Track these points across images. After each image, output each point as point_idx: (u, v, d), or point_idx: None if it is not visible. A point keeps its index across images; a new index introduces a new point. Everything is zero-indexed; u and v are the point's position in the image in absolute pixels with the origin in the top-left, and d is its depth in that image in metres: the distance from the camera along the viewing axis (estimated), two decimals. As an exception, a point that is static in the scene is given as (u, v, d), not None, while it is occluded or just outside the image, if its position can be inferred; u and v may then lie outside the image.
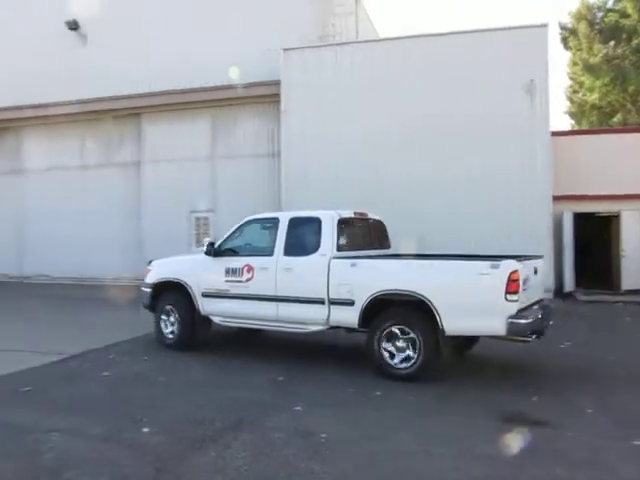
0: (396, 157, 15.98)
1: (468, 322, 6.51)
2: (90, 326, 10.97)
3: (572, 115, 37.04)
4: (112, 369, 7.43)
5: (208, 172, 18.84)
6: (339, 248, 7.58)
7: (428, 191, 15.59)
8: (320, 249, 7.55)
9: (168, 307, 8.86)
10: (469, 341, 7.84)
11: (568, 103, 36.79)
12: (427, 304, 6.56)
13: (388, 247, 9.11)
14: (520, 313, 6.40)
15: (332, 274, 7.32)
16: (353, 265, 7.30)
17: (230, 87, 18.02)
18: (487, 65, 15.27)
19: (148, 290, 9.21)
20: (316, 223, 7.79)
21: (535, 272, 7.16)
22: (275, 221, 8.28)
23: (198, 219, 18.94)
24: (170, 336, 8.83)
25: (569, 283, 15.84)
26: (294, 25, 17.89)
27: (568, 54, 33.73)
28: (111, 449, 4.65)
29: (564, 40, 32.57)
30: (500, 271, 6.32)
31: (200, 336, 8.84)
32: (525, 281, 6.54)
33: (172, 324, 8.81)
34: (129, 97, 19.27)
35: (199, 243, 18.63)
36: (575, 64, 32.98)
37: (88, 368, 7.57)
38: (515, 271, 6.30)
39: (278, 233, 8.01)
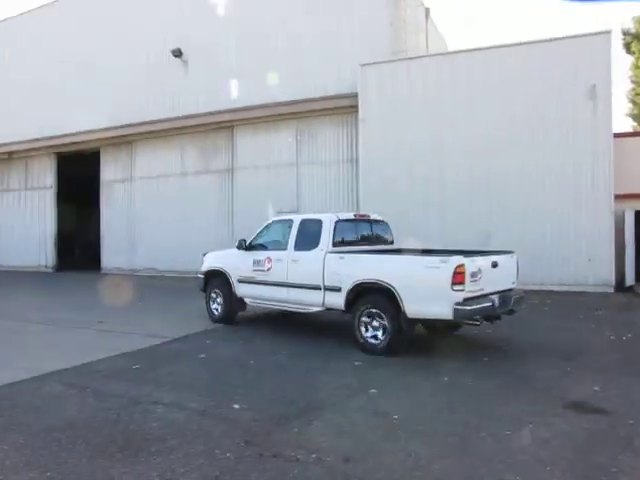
0: (465, 160, 15.85)
1: (424, 307, 7.24)
2: (189, 314, 11.45)
3: (634, 117, 35.27)
4: (208, 352, 7.71)
5: (293, 177, 19.27)
6: (335, 244, 8.52)
7: (496, 192, 15.47)
8: (319, 245, 8.54)
9: (215, 290, 10.26)
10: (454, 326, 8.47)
11: (630, 105, 35.02)
12: (393, 291, 7.38)
13: (390, 243, 9.86)
14: (467, 301, 7.02)
15: (326, 266, 8.34)
16: (341, 258, 8.23)
17: (312, 100, 18.47)
18: (552, 72, 14.91)
19: (201, 277, 10.66)
20: (318, 224, 8.78)
21: (494, 266, 7.60)
22: (290, 222, 9.33)
23: (284, 220, 19.42)
24: (215, 312, 10.24)
25: (629, 278, 15.29)
26: (370, 42, 18.10)
27: (631, 58, 32.08)
28: (206, 422, 4.84)
29: (627, 45, 30.98)
30: (448, 265, 7.01)
31: (236, 313, 10.16)
32: (475, 274, 7.16)
33: (217, 303, 10.22)
34: (223, 112, 20.03)
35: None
36: (637, 67, 31.45)
37: (187, 350, 7.90)
38: (461, 265, 6.98)
39: (291, 232, 9.09)
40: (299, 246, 8.90)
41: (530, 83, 15.20)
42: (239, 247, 9.82)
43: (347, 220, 9.18)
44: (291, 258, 8.91)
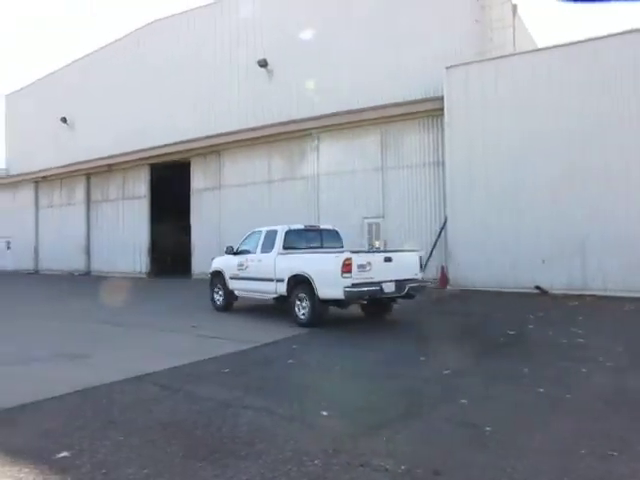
0: (557, 161, 15.27)
1: (327, 290, 9.85)
2: (279, 319, 11.68)
3: None
4: (296, 357, 7.78)
5: (378, 182, 19.20)
6: (285, 248, 11.23)
7: (590, 193, 14.79)
8: (274, 248, 11.31)
9: (217, 285, 13.17)
10: (383, 309, 11.28)
11: None
12: (310, 280, 10.06)
13: (339, 247, 11.99)
14: (355, 286, 9.52)
15: (277, 263, 11.09)
16: (284, 258, 11.02)
17: (396, 105, 18.33)
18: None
19: (209, 275, 13.70)
20: (275, 233, 11.53)
21: (387, 260, 10.15)
22: (260, 232, 12.17)
23: (370, 225, 19.40)
24: (217, 302, 13.17)
25: None
26: (455, 42, 17.81)
27: None
28: (294, 428, 4.86)
29: None
30: (338, 259, 9.60)
31: (232, 303, 13.05)
32: (363, 266, 9.64)
33: (219, 295, 13.12)
34: (307, 120, 20.33)
35: (370, 246, 19.13)
36: None
37: (276, 355, 8.00)
38: (348, 259, 9.51)
39: (260, 239, 11.90)
40: (263, 249, 11.69)
41: (618, 75, 14.42)
42: (227, 252, 12.77)
43: (297, 230, 11.91)
44: (258, 258, 11.76)
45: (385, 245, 18.94)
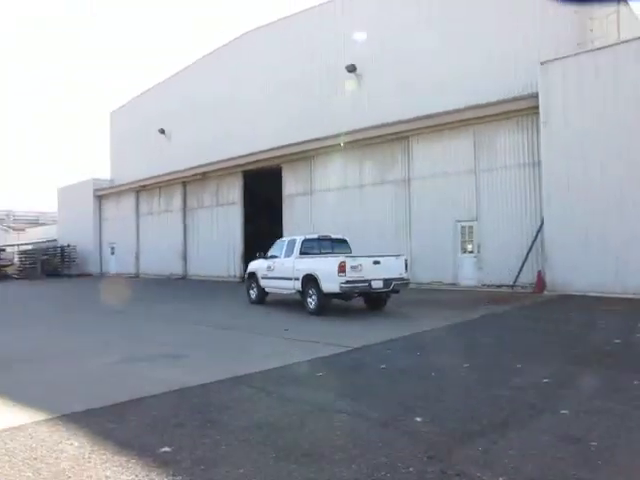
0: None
1: (328, 286, 12.56)
2: (371, 324, 11.74)
3: None
4: (389, 362, 7.70)
5: (471, 184, 18.74)
6: (301, 253, 14.15)
7: None
8: (293, 254, 14.24)
9: (252, 284, 16.21)
10: (379, 302, 13.73)
11: None
12: (316, 278, 12.86)
13: (348, 252, 14.28)
14: (349, 283, 12.22)
15: (295, 265, 13.94)
16: (300, 261, 13.86)
17: (490, 104, 17.80)
18: None
19: (246, 276, 16.79)
20: (295, 241, 14.58)
21: (376, 263, 12.66)
22: (284, 240, 15.48)
23: (463, 228, 18.95)
24: (252, 297, 16.10)
25: None
26: (549, 36, 17.06)
27: None
28: (388, 433, 4.81)
29: None
30: (335, 262, 12.34)
31: (264, 298, 15.85)
32: (355, 267, 12.25)
33: (253, 291, 16.14)
34: (398, 123, 20.20)
35: (463, 250, 18.70)
36: None
37: (368, 360, 7.98)
38: (343, 262, 12.22)
39: (284, 246, 14.91)
40: (286, 254, 14.60)
41: None
42: (258, 257, 15.99)
43: (312, 239, 14.90)
44: (282, 262, 14.63)
45: (479, 249, 18.47)
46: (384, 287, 12.64)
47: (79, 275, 37.01)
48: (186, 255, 30.79)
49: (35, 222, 67.89)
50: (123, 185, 36.03)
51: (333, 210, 22.88)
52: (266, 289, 15.66)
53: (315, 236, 15.26)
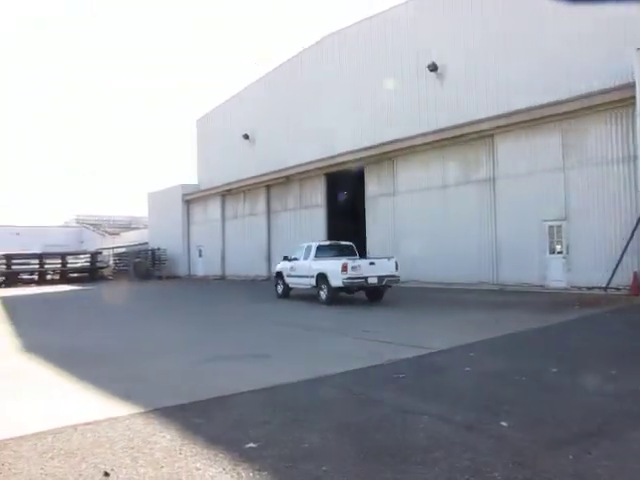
0: None
1: (335, 281, 15.72)
2: (452, 325, 11.49)
3: None
4: (473, 365, 7.57)
5: (559, 182, 17.96)
6: (316, 256, 17.39)
7: None
8: (310, 256, 17.51)
9: (278, 281, 19.65)
10: (376, 295, 16.71)
11: None
12: (327, 275, 16.05)
13: (353, 255, 17.86)
14: (350, 279, 15.48)
15: (311, 266, 17.12)
16: (315, 262, 17.09)
17: (579, 98, 16.97)
18: None
19: (274, 274, 20.33)
20: (312, 246, 17.91)
21: (372, 264, 16.06)
22: (303, 246, 18.64)
23: (551, 227, 18.21)
24: (279, 292, 19.46)
25: None
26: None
27: None
28: (472, 437, 4.73)
29: None
30: (340, 263, 15.60)
31: (288, 293, 19.15)
32: (355, 267, 15.61)
33: (280, 287, 19.49)
34: (483, 121, 19.72)
35: (551, 250, 17.98)
36: None
37: (452, 362, 7.89)
38: (345, 263, 15.54)
39: (303, 250, 18.25)
40: (305, 257, 18.00)
41: None
42: (284, 259, 19.40)
43: (324, 245, 18.72)
44: (301, 263, 18.04)
45: (567, 249, 17.72)
46: (378, 283, 16.00)
47: (168, 277, 38.62)
48: (270, 257, 31.43)
49: (127, 227, 71.53)
50: (209, 190, 37.29)
51: (416, 211, 22.67)
52: (290, 285, 19.08)
53: (327, 243, 19.45)
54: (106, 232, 69.70)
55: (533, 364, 7.69)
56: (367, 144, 24.02)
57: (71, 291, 28.17)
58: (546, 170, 18.24)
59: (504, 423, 5.05)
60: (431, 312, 14.35)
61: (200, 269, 38.48)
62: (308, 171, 27.87)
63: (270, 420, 5.34)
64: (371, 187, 25.14)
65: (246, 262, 32.88)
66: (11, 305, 20.01)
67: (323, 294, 16.51)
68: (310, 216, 28.65)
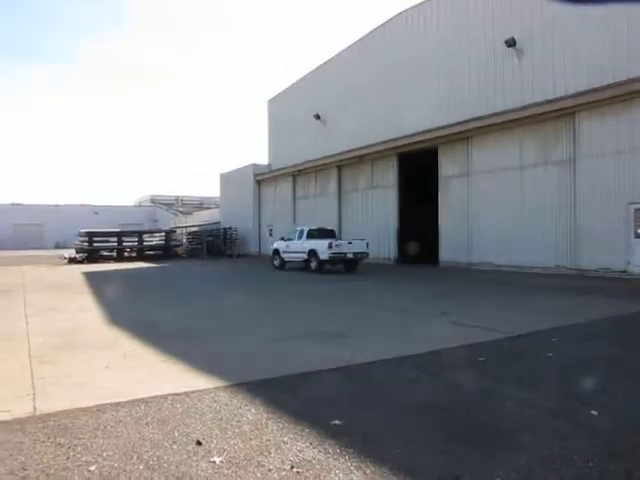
0: None
1: (322, 255, 21.64)
2: (531, 310, 11.21)
3: None
4: (555, 351, 7.35)
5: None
6: (308, 237, 23.03)
7: None
8: (303, 237, 23.24)
9: (275, 256, 25.26)
10: (352, 266, 22.49)
11: None
12: (316, 251, 21.97)
13: (333, 237, 23.37)
14: (333, 254, 21.54)
15: (303, 244, 23.03)
16: (307, 242, 22.86)
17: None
18: None
19: (272, 251, 25.94)
20: (304, 230, 23.61)
21: (349, 243, 22.28)
22: (296, 230, 24.41)
23: (637, 210, 17.30)
24: (275, 264, 25.15)
25: None
26: None
27: None
28: (560, 424, 4.61)
29: None
30: (326, 242, 21.85)
31: (284, 266, 24.67)
32: (338, 245, 21.88)
33: (277, 260, 25.14)
34: (565, 98, 18.93)
35: (637, 235, 17.11)
36: None
37: (533, 347, 7.69)
38: (330, 242, 21.69)
39: (297, 233, 23.95)
40: (298, 238, 23.45)
41: None
42: (282, 239, 25.36)
43: (313, 229, 23.75)
44: (295, 242, 23.62)
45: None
46: (353, 257, 22.07)
47: (239, 255, 39.50)
48: (341, 237, 31.52)
49: (199, 206, 73.58)
50: (280, 170, 37.72)
51: (491, 192, 22.11)
52: (285, 259, 24.64)
53: (315, 227, 24.53)
54: (179, 211, 71.96)
55: (619, 352, 7.39)
56: (442, 123, 23.55)
57: (148, 268, 29.25)
58: (635, 149, 17.31)
59: (594, 412, 4.88)
60: (508, 296, 14.04)
61: (270, 248, 39.09)
62: (380, 151, 27.64)
63: (352, 398, 5.40)
64: (445, 167, 24.67)
65: (316, 242, 33.15)
66: (94, 280, 21.02)
67: (313, 265, 22.29)
68: (381, 196, 28.47)
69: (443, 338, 8.23)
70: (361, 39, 30.82)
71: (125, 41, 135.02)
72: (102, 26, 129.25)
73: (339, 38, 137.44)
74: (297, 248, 23.42)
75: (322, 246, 21.76)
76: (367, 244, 22.18)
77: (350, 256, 21.78)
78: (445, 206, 24.52)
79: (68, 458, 4.00)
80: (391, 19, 28.14)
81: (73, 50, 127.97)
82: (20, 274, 24.31)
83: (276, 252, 25.13)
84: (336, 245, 21.62)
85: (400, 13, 27.49)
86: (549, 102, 19.43)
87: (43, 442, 4.30)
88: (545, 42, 20.15)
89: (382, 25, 28.87)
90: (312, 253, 22.23)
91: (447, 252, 24.11)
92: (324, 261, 21.68)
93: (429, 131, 24.07)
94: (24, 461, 3.97)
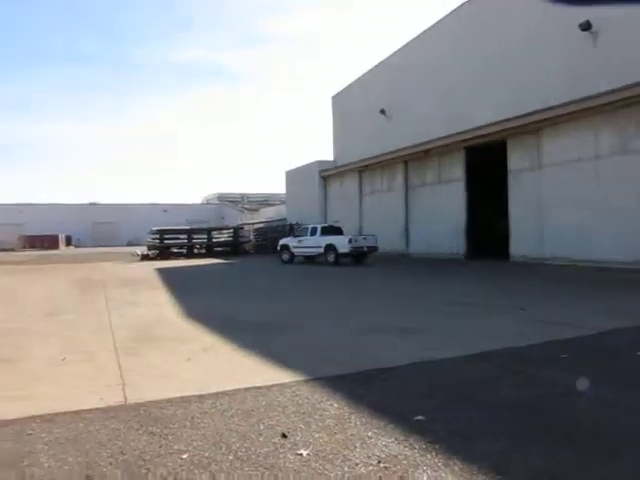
0: None
1: (342, 249, 24.61)
2: (614, 306, 10.72)
3: None
4: (644, 350, 7.11)
5: None
6: (322, 233, 26.42)
7: None
8: (317, 234, 26.48)
9: (285, 250, 28.21)
10: (362, 259, 25.40)
11: None
12: (334, 245, 24.97)
13: (341, 234, 26.64)
14: (353, 248, 24.62)
15: (319, 240, 26.10)
16: (322, 238, 26.09)
17: None
18: None
19: (279, 247, 28.96)
20: (317, 227, 27.26)
21: (364, 238, 25.94)
22: (307, 227, 28.14)
23: None
24: (284, 259, 28.07)
25: None
26: None
27: None
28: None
29: None
30: (346, 237, 25.54)
31: (292, 259, 27.94)
32: (356, 240, 25.25)
33: (286, 255, 28.15)
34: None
35: None
36: None
37: (620, 346, 7.35)
38: (350, 237, 25.34)
39: (309, 230, 27.29)
40: (311, 234, 26.78)
41: None
42: (293, 236, 28.29)
43: (325, 226, 27.78)
44: (309, 238, 26.80)
45: None
46: (367, 250, 25.15)
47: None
48: (408, 233, 31.29)
49: (265, 203, 74.66)
50: (346, 165, 37.73)
51: (565, 184, 21.25)
52: (295, 253, 27.63)
53: (327, 225, 29.07)
54: (245, 208, 73.24)
55: None
56: (510, 115, 22.87)
57: (218, 264, 29.92)
58: None
59: (694, 413, 4.64)
60: (587, 292, 13.52)
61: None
62: (447, 145, 27.16)
63: (433, 394, 5.34)
64: (514, 160, 23.96)
65: (383, 238, 32.84)
66: (167, 276, 21.72)
67: (330, 258, 25.10)
68: (449, 191, 28.00)
69: (522, 334, 8.01)
70: (428, 29, 30.33)
71: (191, 45, 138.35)
72: (169, 31, 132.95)
73: (403, 30, 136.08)
74: (311, 243, 26.39)
75: (341, 241, 24.90)
76: (376, 239, 25.71)
77: (364, 249, 25.07)
78: (515, 200, 23.82)
79: (161, 446, 4.15)
80: (461, 5, 27.45)
81: (138, 55, 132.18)
82: (99, 270, 25.46)
83: (285, 247, 28.11)
84: (355, 240, 24.95)
85: (469, 1, 26.84)
86: (628, 87, 18.48)
87: (137, 430, 4.49)
88: (622, 24, 19.15)
89: (451, 13, 28.27)
90: (329, 247, 25.08)
91: (518, 247, 23.43)
92: (342, 254, 24.65)
93: (498, 123, 23.38)
94: (122, 446, 4.16)
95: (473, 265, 23.37)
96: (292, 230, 41.91)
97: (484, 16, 25.74)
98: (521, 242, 23.25)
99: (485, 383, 5.74)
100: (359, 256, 25.04)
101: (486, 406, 4.95)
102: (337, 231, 26.82)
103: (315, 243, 26.05)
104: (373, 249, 25.22)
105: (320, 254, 25.81)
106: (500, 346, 7.24)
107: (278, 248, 28.82)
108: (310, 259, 27.56)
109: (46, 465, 3.87)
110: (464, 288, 15.17)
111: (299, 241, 27.07)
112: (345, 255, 24.59)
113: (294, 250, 27.38)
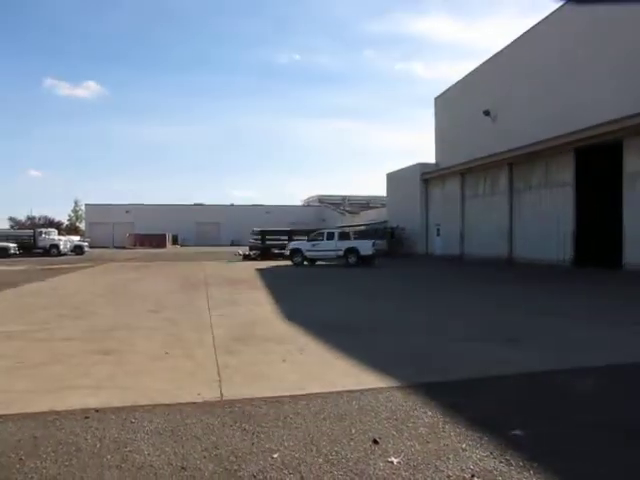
0: None
1: (364, 252, 29.28)
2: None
3: None
4: None
5: None
6: (340, 238, 30.11)
7: None
8: (335, 238, 29.83)
9: (295, 254, 30.15)
10: (369, 260, 29.23)
11: None
12: (357, 248, 29.50)
13: (350, 239, 31.62)
14: (376, 250, 30.32)
15: (336, 244, 29.46)
16: (341, 242, 29.70)
17: None
18: None
19: (290, 250, 30.78)
20: (334, 232, 31.00)
21: (374, 245, 30.28)
22: (323, 231, 31.81)
23: None
24: (296, 262, 29.74)
25: None
26: None
27: None
28: None
29: None
30: (370, 241, 30.96)
31: (302, 262, 29.83)
32: (376, 244, 31.40)
33: (298, 258, 29.95)
34: None
35: None
36: None
37: None
38: (373, 242, 30.93)
39: (325, 234, 30.58)
40: (327, 239, 29.83)
41: None
42: (308, 240, 30.96)
43: (342, 232, 32.13)
44: (326, 242, 29.59)
45: None
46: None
47: (406, 255, 39.39)
48: (512, 238, 30.12)
49: (366, 206, 74.75)
50: (448, 168, 36.96)
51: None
52: (308, 256, 29.61)
53: (341, 230, 32.82)
54: (346, 211, 73.68)
55: None
56: (626, 114, 21.29)
57: (319, 265, 30.19)
58: None
59: None
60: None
61: (438, 247, 38.54)
62: (556, 146, 25.83)
63: (532, 408, 5.10)
64: (630, 163, 22.32)
65: (485, 242, 31.97)
66: (267, 277, 22.24)
67: (352, 260, 28.35)
68: (556, 195, 26.64)
69: (624, 348, 7.48)
70: (533, 27, 29.13)
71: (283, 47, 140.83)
72: (262, 36, 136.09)
73: (507, 30, 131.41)
74: (328, 247, 29.28)
75: (365, 244, 29.75)
76: (379, 243, 33.31)
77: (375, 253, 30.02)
78: (631, 205, 22.18)
79: (253, 443, 4.23)
80: (562, 6, 26.01)
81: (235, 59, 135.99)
82: (202, 269, 26.55)
83: (296, 251, 30.22)
84: (376, 244, 30.62)
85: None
86: None
87: (230, 426, 4.62)
88: None
89: (554, 11, 26.88)
90: (351, 250, 28.76)
91: (633, 255, 21.77)
92: (364, 257, 28.44)
93: (614, 122, 21.85)
94: (215, 441, 4.30)
95: (578, 273, 22.16)
96: (392, 234, 41.86)
97: (601, 11, 24.23)
98: (637, 249, 21.62)
99: (587, 400, 5.42)
100: (370, 258, 28.96)
101: (588, 425, 4.64)
102: (347, 236, 31.48)
103: (332, 247, 29.08)
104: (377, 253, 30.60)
105: (339, 257, 28.85)
106: (598, 362, 6.87)
107: (287, 253, 30.94)
108: (312, 261, 29.97)
109: (146, 452, 4.08)
110: (562, 297, 14.32)
111: (313, 245, 29.85)
112: (367, 257, 28.54)
113: (307, 254, 29.80)
